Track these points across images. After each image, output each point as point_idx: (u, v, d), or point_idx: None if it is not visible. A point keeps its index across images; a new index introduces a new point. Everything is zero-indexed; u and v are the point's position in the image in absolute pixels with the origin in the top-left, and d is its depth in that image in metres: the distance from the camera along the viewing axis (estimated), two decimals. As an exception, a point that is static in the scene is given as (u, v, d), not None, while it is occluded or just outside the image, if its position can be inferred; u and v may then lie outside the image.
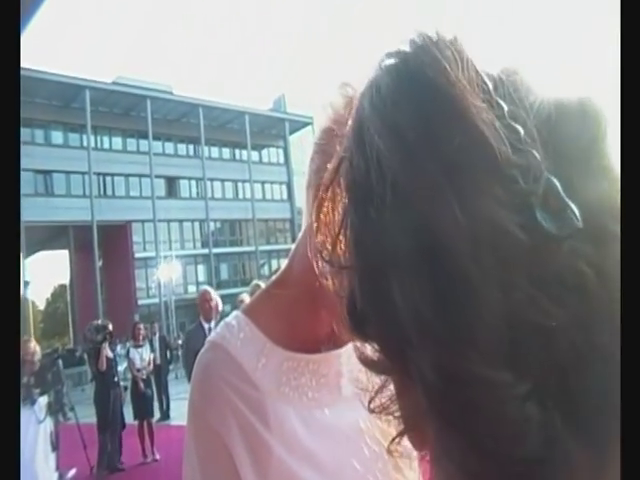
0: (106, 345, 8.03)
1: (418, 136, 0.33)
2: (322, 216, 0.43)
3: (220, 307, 6.65)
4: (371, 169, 0.35)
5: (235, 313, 0.94)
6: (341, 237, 0.39)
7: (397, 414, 0.40)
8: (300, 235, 0.91)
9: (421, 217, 0.32)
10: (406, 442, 0.40)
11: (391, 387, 0.40)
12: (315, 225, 0.44)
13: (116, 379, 8.33)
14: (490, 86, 0.34)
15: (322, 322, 0.87)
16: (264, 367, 0.87)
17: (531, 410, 0.29)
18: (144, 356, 9.32)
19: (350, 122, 0.39)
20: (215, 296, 6.52)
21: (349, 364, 0.91)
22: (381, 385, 0.41)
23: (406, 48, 0.37)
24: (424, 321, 0.31)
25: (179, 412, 11.65)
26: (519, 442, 0.29)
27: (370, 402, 0.42)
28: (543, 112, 0.33)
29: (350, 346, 0.93)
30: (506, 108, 0.33)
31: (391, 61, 0.37)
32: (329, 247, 0.41)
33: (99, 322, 8.48)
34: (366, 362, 0.40)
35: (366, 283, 0.36)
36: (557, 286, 0.30)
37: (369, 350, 0.39)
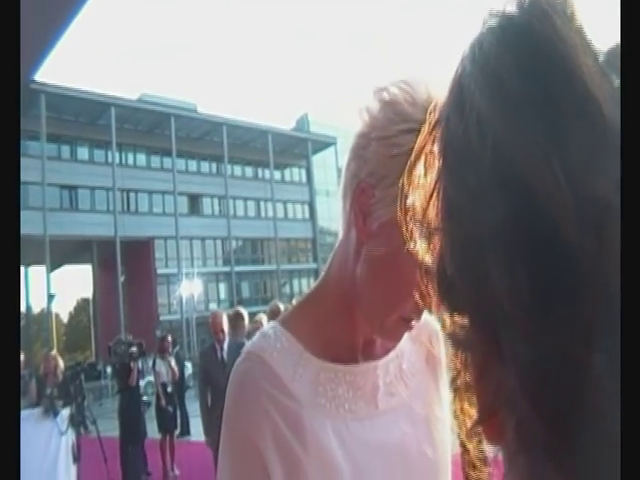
0: (138, 361, 8.00)
1: (523, 93, 0.30)
2: (414, 179, 0.43)
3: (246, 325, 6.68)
4: (470, 129, 0.32)
5: (272, 324, 0.93)
6: (433, 199, 0.37)
7: (473, 401, 0.37)
8: (336, 245, 0.90)
9: (522, 182, 0.29)
10: None
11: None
12: (406, 187, 0.44)
13: (141, 392, 8.29)
14: (601, 58, 0.31)
15: (358, 331, 0.88)
16: (301, 377, 0.86)
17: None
18: (170, 369, 9.15)
19: (450, 84, 0.36)
20: (224, 324, 6.48)
21: (386, 377, 0.91)
22: (464, 364, 0.37)
23: (512, 7, 0.33)
24: (520, 292, 0.29)
25: (199, 429, 11.55)
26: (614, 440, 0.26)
27: (454, 380, 0.38)
28: None
29: (387, 358, 0.93)
30: (616, 83, 0.30)
31: (495, 20, 0.34)
32: (420, 209, 0.39)
33: (129, 338, 8.42)
34: (451, 335, 0.37)
35: (458, 248, 0.34)
36: None
37: (456, 321, 0.36)
